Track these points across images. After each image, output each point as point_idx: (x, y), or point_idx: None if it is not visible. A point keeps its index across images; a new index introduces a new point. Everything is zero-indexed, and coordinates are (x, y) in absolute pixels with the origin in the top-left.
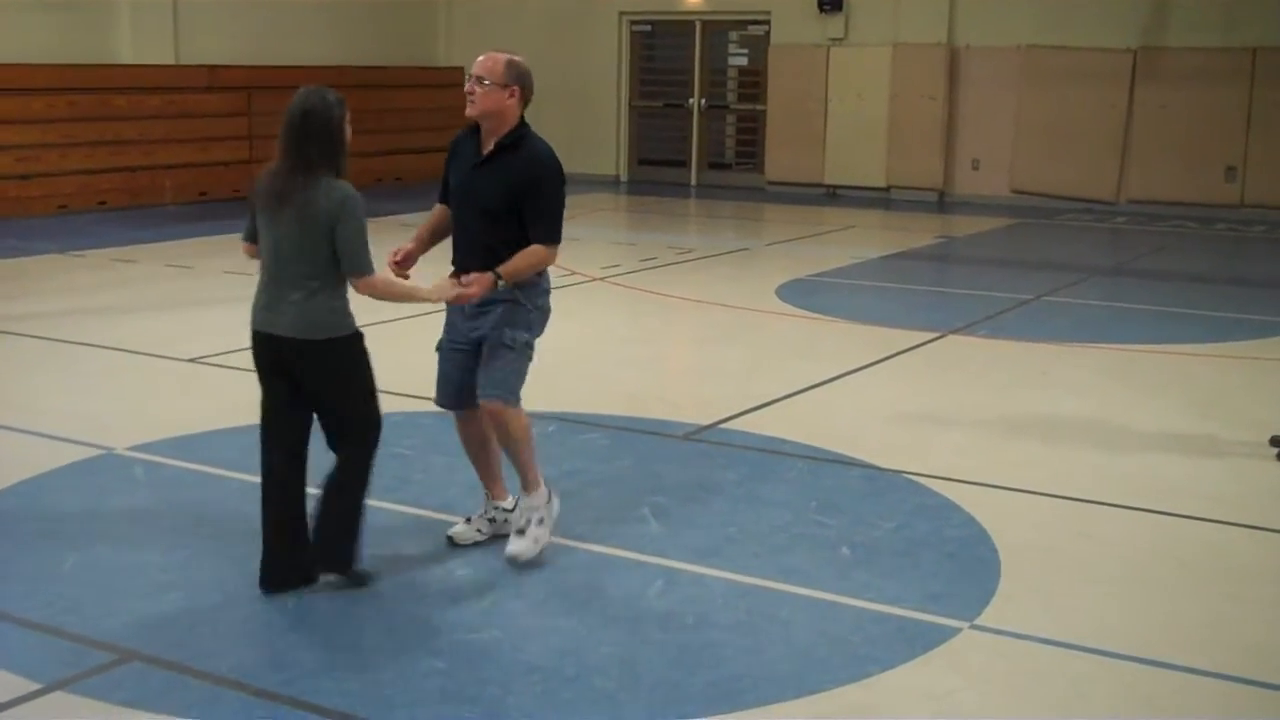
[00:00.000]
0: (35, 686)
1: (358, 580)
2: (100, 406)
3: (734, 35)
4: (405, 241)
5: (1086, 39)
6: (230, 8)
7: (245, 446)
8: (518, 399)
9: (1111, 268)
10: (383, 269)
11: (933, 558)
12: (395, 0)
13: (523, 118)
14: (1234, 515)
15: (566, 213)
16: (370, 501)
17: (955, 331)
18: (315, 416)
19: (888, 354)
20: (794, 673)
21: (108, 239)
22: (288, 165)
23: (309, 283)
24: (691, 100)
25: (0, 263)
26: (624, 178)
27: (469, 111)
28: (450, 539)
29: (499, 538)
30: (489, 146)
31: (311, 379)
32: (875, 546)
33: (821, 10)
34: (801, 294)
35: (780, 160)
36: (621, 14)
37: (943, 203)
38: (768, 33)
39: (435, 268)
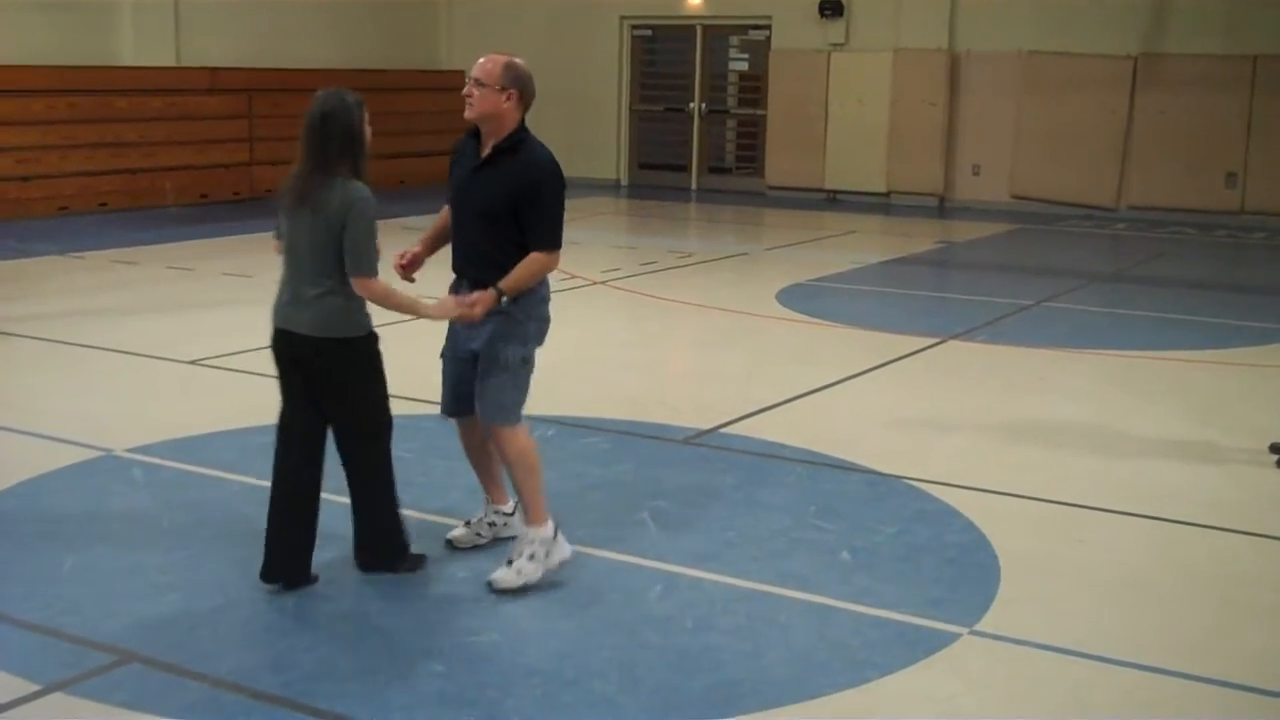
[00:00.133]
0: (34, 688)
1: (415, 564)
2: (100, 408)
3: (735, 40)
4: (412, 245)
5: (1087, 45)
6: (232, 10)
7: (244, 449)
8: (517, 418)
9: (1111, 274)
10: (389, 274)
11: (932, 563)
12: (397, 3)
13: (523, 122)
14: (1233, 522)
15: (567, 216)
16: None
17: (955, 337)
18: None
19: (888, 359)
20: (793, 677)
21: (108, 241)
22: (308, 166)
23: (325, 281)
24: (692, 105)
25: (0, 264)
26: (624, 182)
27: (467, 114)
28: (450, 542)
29: (499, 541)
30: (487, 150)
31: (325, 376)
32: (875, 551)
33: (822, 15)
34: (802, 299)
35: (781, 165)
36: (623, 18)
37: (943, 208)
38: (768, 37)
39: (443, 271)
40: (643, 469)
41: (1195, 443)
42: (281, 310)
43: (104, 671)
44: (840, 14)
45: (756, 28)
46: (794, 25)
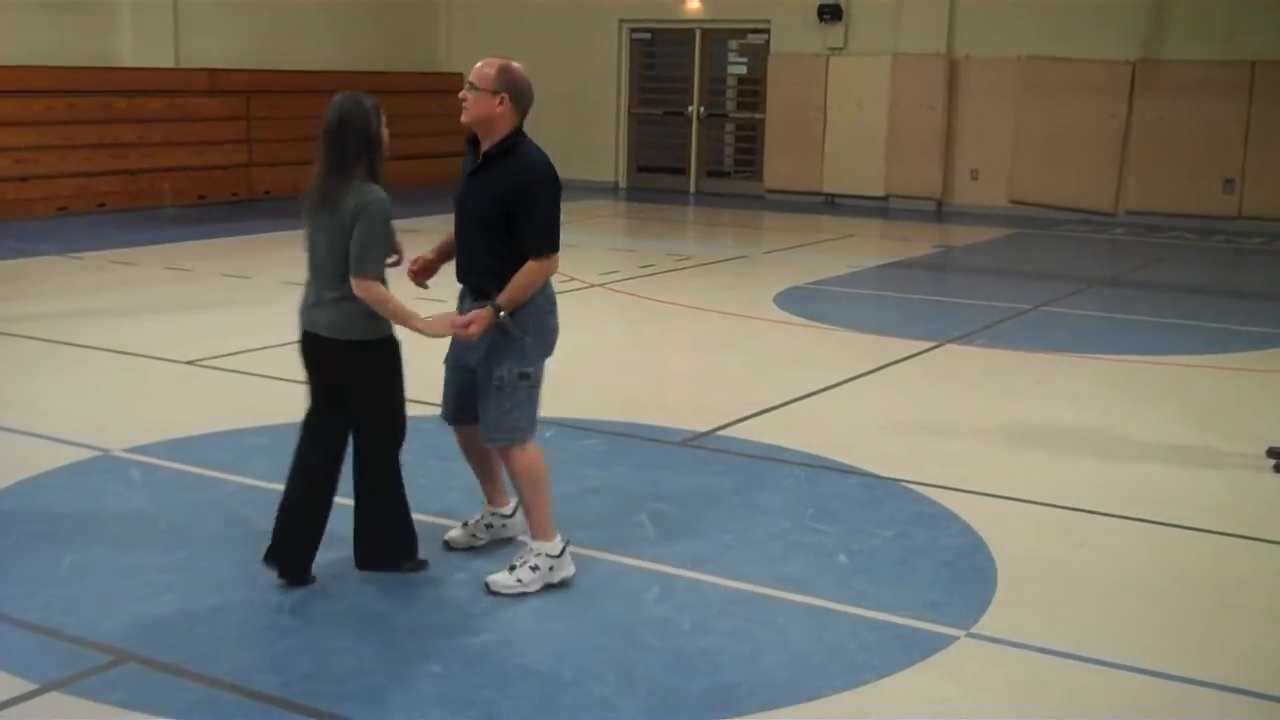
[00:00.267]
0: (31, 687)
1: (418, 565)
2: (98, 408)
3: (734, 44)
4: (424, 251)
5: (1086, 50)
6: (231, 11)
7: (242, 449)
8: (524, 435)
9: (1109, 278)
10: (401, 280)
11: (930, 566)
12: (396, 4)
13: (520, 127)
14: (1231, 526)
15: (565, 219)
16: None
17: (953, 341)
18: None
19: (885, 362)
20: (790, 679)
21: (106, 241)
22: (325, 169)
23: (343, 284)
24: (691, 108)
25: None
26: (623, 185)
27: (462, 118)
28: (447, 543)
29: (497, 543)
30: (482, 155)
31: (342, 377)
32: (872, 554)
33: (821, 20)
34: (800, 302)
35: (779, 168)
36: (622, 21)
37: (941, 212)
38: (767, 41)
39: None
40: (641, 471)
41: (1194, 447)
42: (306, 312)
43: (101, 671)
44: (839, 18)
45: (755, 31)
46: (793, 29)
